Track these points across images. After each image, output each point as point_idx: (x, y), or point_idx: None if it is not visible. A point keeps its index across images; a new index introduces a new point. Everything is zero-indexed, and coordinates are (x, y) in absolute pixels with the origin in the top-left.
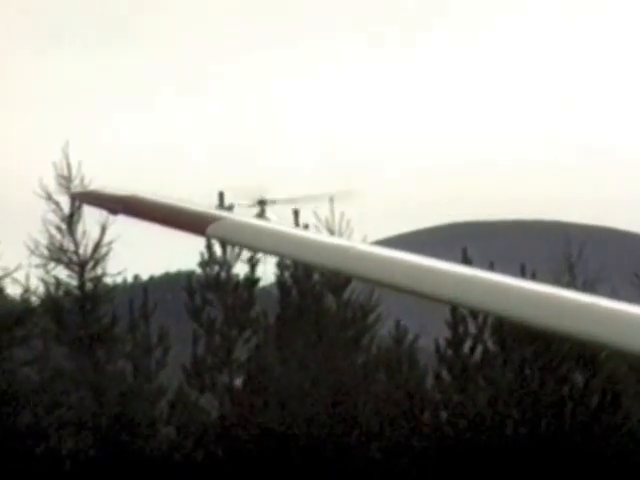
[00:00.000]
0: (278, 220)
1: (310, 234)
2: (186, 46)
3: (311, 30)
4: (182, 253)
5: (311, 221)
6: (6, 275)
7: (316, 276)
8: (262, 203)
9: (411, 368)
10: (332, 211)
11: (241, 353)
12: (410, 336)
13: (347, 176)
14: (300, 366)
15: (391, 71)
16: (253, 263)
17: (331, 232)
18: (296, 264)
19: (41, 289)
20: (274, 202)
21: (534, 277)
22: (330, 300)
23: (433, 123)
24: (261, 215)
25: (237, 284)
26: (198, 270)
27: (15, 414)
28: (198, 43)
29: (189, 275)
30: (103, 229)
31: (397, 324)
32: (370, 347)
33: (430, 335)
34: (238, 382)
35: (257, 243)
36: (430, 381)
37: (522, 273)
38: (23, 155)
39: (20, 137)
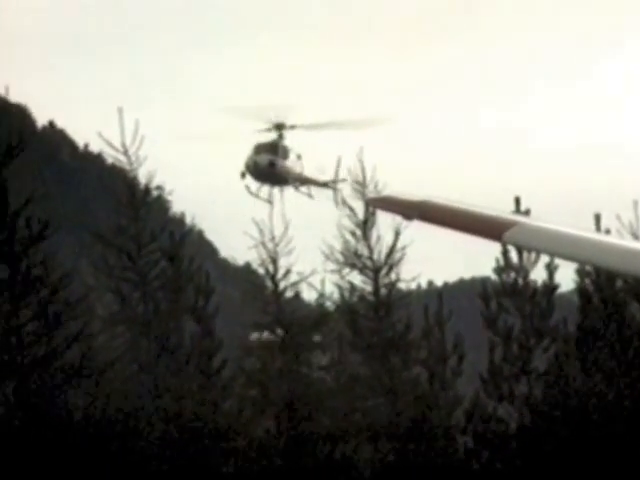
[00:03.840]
0: (297, 149)
1: (613, 239)
2: None
3: None
4: (477, 259)
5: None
6: (302, 280)
7: (619, 283)
8: (280, 127)
9: None
10: (637, 215)
11: (540, 362)
12: None
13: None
14: (603, 377)
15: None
16: (551, 269)
17: (635, 237)
18: (598, 270)
19: (336, 294)
20: (293, 127)
21: None
22: (635, 308)
23: None
24: (278, 142)
25: (535, 291)
26: (493, 276)
27: (311, 418)
28: None
29: (484, 281)
30: (397, 234)
31: None
32: None
33: None
34: (537, 392)
35: (556, 249)
36: None
37: None
38: (318, 158)
39: (321, 145)
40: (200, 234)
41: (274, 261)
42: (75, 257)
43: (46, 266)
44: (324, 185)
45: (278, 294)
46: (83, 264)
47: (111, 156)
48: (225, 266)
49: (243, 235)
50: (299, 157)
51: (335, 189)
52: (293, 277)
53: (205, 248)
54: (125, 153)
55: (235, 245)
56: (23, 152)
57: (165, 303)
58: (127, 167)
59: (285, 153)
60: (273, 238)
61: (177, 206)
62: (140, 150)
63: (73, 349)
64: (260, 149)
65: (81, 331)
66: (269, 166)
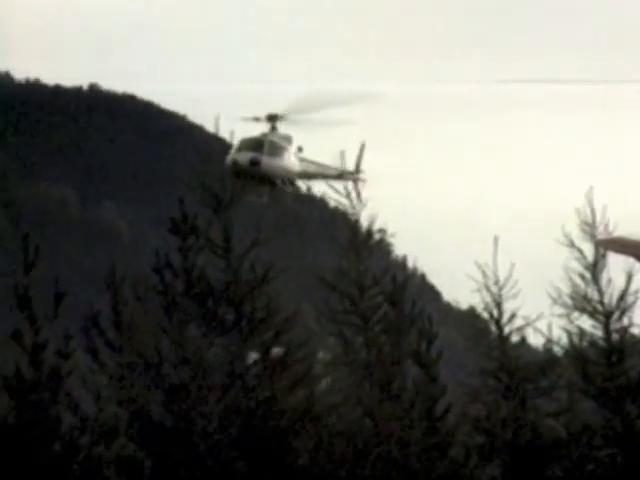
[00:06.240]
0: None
1: None
2: None
3: None
4: None
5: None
6: (528, 324)
7: None
8: (273, 119)
9: None
10: None
11: None
12: None
13: None
14: None
15: None
16: None
17: None
18: None
19: (564, 339)
20: (284, 118)
21: None
22: None
23: None
24: (264, 138)
25: None
26: None
27: (540, 467)
28: None
29: None
30: (629, 277)
31: None
32: None
33: None
34: None
35: None
36: None
37: None
38: (544, 200)
39: (543, 181)
40: (423, 277)
41: (498, 305)
42: (298, 300)
43: (269, 309)
44: (339, 177)
45: (503, 339)
46: (306, 307)
47: (333, 199)
48: (448, 310)
49: (466, 278)
50: (300, 150)
51: (356, 180)
52: (518, 321)
53: (428, 291)
54: (347, 196)
55: (458, 288)
56: (246, 195)
57: (387, 347)
58: (349, 210)
59: (274, 149)
60: (497, 281)
61: (399, 249)
62: (363, 192)
63: (296, 393)
64: (243, 146)
65: (304, 375)
66: (251, 165)
